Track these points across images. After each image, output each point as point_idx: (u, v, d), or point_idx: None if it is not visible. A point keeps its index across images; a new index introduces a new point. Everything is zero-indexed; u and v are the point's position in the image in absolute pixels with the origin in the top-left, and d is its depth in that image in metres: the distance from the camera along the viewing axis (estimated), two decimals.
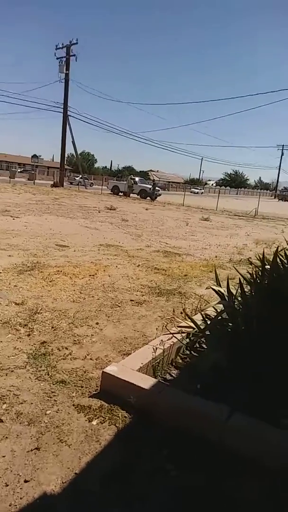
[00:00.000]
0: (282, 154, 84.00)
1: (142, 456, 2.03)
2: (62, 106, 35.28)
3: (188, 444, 2.10)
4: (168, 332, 3.04)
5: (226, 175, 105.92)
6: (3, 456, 1.96)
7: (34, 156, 41.84)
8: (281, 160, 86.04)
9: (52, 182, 36.23)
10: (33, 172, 41.12)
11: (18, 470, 1.88)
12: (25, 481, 1.82)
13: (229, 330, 2.71)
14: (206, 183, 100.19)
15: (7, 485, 1.79)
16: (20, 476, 1.85)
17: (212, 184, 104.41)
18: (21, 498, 1.73)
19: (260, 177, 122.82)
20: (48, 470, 1.90)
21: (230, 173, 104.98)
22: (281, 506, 1.77)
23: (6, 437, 2.10)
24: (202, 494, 1.83)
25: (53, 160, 76.45)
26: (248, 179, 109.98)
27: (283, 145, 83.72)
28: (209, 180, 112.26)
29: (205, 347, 2.92)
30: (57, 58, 34.76)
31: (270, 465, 1.93)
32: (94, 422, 2.28)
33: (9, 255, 6.21)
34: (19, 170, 51.33)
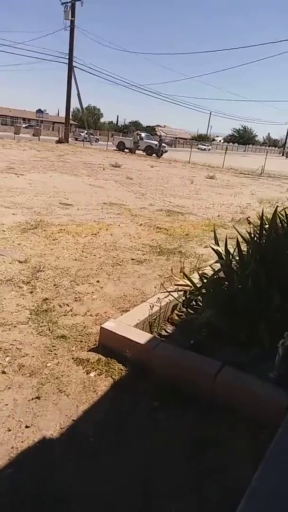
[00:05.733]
0: None
1: (136, 406, 2.15)
2: (67, 56, 33.61)
3: (179, 396, 2.21)
4: (165, 290, 3.11)
5: (234, 131, 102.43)
6: (6, 405, 2.09)
7: (39, 110, 40.64)
8: None
9: (57, 138, 35.37)
10: (38, 127, 39.94)
11: (20, 417, 2.02)
12: (26, 427, 1.96)
13: (225, 288, 2.76)
14: (213, 139, 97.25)
15: (9, 430, 1.92)
16: (21, 422, 1.99)
17: (220, 141, 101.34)
18: (22, 442, 1.87)
19: (269, 133, 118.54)
20: (48, 417, 2.04)
21: (239, 129, 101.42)
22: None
23: (9, 387, 2.23)
24: (187, 439, 1.97)
25: (58, 115, 74.13)
26: (256, 135, 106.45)
27: None
28: (217, 136, 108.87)
29: (201, 305, 3.00)
30: (62, 3, 32.47)
31: (258, 416, 2.04)
32: (92, 374, 2.40)
33: (13, 213, 6.23)
34: (24, 126, 49.97)
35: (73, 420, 2.03)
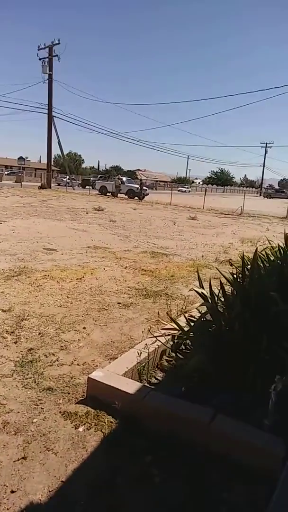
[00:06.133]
0: (266, 152, 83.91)
1: (128, 462, 2.05)
2: (47, 107, 35.02)
3: (172, 448, 2.13)
4: (153, 336, 3.07)
5: (212, 174, 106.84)
6: None
7: (21, 158, 41.51)
8: (264, 158, 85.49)
9: (39, 184, 36.02)
10: (20, 174, 40.72)
11: (5, 481, 1.89)
12: (12, 492, 1.83)
13: (212, 331, 2.75)
14: (193, 182, 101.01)
15: None
16: (6, 486, 1.86)
17: (199, 183, 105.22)
18: (7, 509, 1.74)
19: (245, 175, 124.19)
20: (35, 479, 1.92)
21: (216, 171, 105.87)
22: None
23: None
24: (185, 498, 1.87)
25: (40, 162, 75.99)
26: (234, 177, 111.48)
27: (266, 143, 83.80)
28: (196, 179, 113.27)
29: (190, 349, 2.96)
30: (40, 59, 34.36)
31: (254, 468, 1.97)
32: (81, 429, 2.30)
33: None
34: (6, 173, 50.88)
35: (62, 481, 1.92)
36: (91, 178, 46.91)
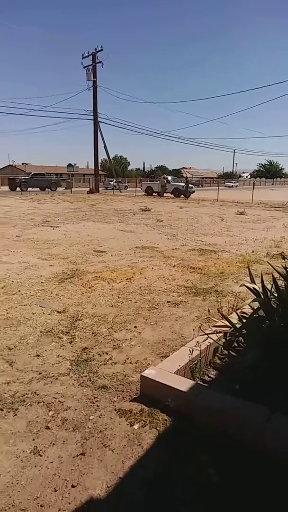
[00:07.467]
0: None
1: (184, 461, 2.04)
2: (92, 113, 35.92)
3: (227, 447, 2.09)
4: (204, 333, 3.03)
5: (260, 166, 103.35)
6: (51, 462, 2.05)
7: (69, 165, 42.96)
8: None
9: (88, 189, 37.02)
10: (69, 181, 42.10)
11: (66, 475, 1.96)
12: (73, 486, 1.90)
13: (266, 327, 2.67)
14: (240, 176, 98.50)
15: (55, 490, 1.87)
16: (67, 481, 1.93)
17: (247, 176, 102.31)
18: (69, 503, 1.80)
19: None
20: (94, 475, 1.97)
21: (265, 164, 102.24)
22: None
23: (54, 444, 2.19)
24: (244, 501, 1.83)
25: (88, 167, 77.89)
26: (283, 168, 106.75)
27: None
28: (243, 173, 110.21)
29: (243, 346, 2.89)
30: (84, 67, 35.44)
31: None
32: (136, 426, 2.33)
33: (50, 265, 6.43)
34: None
35: (119, 477, 1.95)
36: (20, 177, 36.74)
